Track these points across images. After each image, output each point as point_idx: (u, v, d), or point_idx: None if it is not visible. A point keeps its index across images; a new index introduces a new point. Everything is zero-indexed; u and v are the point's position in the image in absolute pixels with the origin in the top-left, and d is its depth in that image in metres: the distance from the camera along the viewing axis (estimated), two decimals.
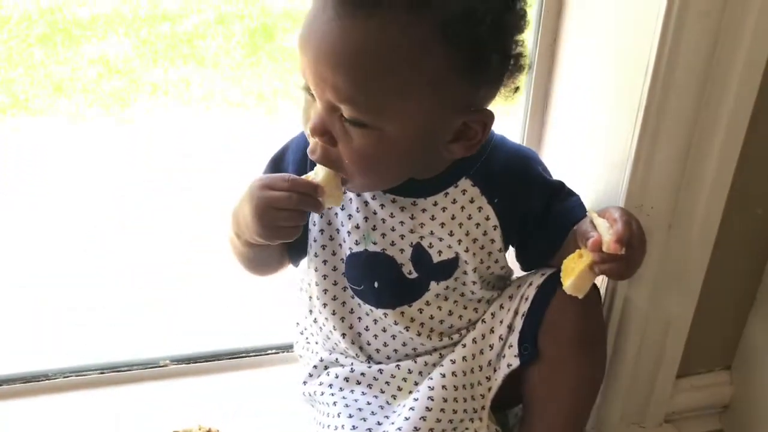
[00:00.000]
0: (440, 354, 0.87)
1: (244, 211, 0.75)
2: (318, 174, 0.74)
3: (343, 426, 0.81)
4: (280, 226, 0.74)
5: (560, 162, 0.98)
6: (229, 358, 1.11)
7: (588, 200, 0.88)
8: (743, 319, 1.04)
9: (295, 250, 0.86)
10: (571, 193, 0.86)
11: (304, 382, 0.92)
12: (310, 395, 0.91)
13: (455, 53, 0.66)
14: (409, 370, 0.86)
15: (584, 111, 0.94)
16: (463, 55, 0.67)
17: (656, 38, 0.75)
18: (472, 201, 0.82)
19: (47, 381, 1.05)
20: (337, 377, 0.88)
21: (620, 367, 0.97)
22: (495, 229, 0.83)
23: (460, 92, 0.70)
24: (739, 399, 1.07)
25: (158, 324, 1.26)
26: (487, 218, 0.82)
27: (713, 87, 0.79)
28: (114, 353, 1.11)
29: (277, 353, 1.12)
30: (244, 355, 1.12)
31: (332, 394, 0.86)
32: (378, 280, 0.83)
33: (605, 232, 0.73)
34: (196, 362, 1.10)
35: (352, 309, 0.86)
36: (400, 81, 0.67)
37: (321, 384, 0.89)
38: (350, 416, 0.82)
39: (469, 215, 0.82)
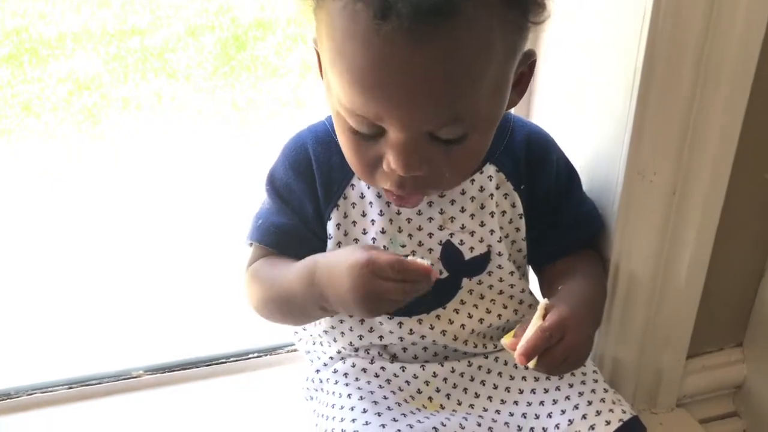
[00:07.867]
0: (469, 362, 0.80)
1: (340, 289, 0.68)
2: None
3: (352, 408, 0.75)
4: (383, 309, 0.69)
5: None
6: (208, 365, 1.04)
7: (585, 173, 0.83)
8: (753, 292, 1.00)
9: None
10: (585, 196, 0.84)
11: (317, 371, 0.84)
12: (320, 382, 0.83)
13: (516, 11, 0.62)
14: (434, 373, 0.79)
15: (576, 73, 0.89)
16: (519, 8, 0.63)
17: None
18: (498, 187, 0.77)
19: (9, 400, 0.98)
20: (353, 366, 0.80)
21: (627, 347, 0.92)
22: (520, 218, 0.79)
23: (522, 46, 0.66)
24: (753, 377, 1.03)
25: (129, 332, 1.20)
26: (513, 205, 0.79)
27: (714, 42, 0.75)
28: (82, 366, 1.04)
29: (260, 356, 1.05)
30: (223, 360, 1.05)
31: (346, 384, 0.79)
32: None
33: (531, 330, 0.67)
34: (172, 371, 1.03)
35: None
36: (498, 71, 0.63)
37: (335, 372, 0.81)
38: (361, 398, 0.76)
39: (497, 203, 0.78)
